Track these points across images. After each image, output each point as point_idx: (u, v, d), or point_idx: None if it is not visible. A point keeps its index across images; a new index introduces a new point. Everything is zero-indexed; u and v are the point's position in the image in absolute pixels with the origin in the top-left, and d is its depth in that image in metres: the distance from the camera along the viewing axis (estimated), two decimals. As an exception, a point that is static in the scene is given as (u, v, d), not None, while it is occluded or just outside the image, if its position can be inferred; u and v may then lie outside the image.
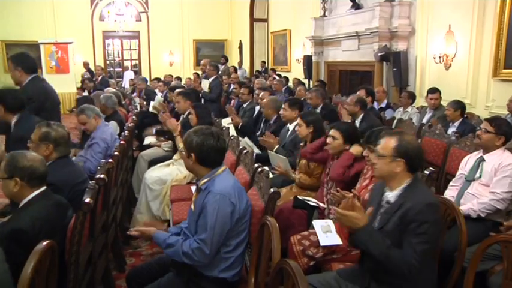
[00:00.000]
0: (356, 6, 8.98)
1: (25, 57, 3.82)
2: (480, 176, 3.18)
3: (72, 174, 2.70)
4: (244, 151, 3.42)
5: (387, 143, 2.14)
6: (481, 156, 3.27)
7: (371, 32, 8.00)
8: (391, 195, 2.15)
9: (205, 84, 7.64)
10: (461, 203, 3.12)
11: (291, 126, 4.54)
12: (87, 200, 2.18)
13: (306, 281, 1.54)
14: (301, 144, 3.96)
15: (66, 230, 2.18)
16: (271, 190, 2.45)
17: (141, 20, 16.15)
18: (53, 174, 2.58)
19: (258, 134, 5.42)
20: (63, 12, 14.73)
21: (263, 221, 2.22)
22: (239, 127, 5.49)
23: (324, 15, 10.29)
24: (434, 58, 6.91)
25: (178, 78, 11.34)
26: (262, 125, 5.58)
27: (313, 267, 2.67)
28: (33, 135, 2.72)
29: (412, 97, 6.48)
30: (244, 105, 6.72)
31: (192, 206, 2.40)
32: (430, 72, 7.24)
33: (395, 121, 5.71)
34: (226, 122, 5.41)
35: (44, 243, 1.67)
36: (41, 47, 12.41)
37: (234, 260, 2.32)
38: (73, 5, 14.89)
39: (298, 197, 3.32)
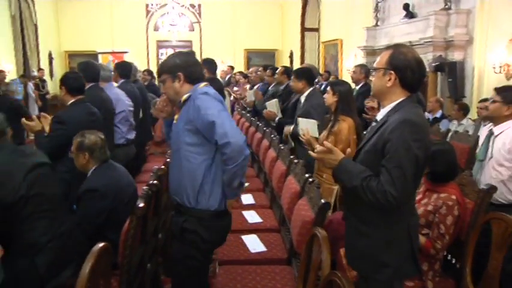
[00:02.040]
0: (410, 15, 8.76)
1: (88, 66, 3.97)
2: (492, 156, 2.94)
3: (114, 179, 2.75)
4: (295, 161, 3.40)
5: (383, 56, 1.91)
6: (491, 129, 3.04)
7: (425, 42, 7.77)
8: (379, 114, 1.95)
9: (250, 95, 7.42)
10: None
11: (302, 98, 4.46)
12: (141, 204, 2.24)
13: (357, 295, 1.50)
14: (327, 116, 3.82)
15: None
16: (322, 201, 2.42)
17: (193, 30, 16.53)
18: (96, 181, 2.70)
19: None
20: (120, 23, 15.34)
21: (313, 232, 2.19)
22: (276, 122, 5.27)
23: (377, 25, 10.12)
24: (494, 68, 6.61)
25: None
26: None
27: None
28: (73, 147, 2.81)
29: (464, 109, 6.22)
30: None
31: None
32: (488, 82, 6.91)
33: (450, 133, 5.51)
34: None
35: (100, 244, 1.72)
36: (99, 56, 13.07)
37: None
38: (130, 15, 15.49)
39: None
